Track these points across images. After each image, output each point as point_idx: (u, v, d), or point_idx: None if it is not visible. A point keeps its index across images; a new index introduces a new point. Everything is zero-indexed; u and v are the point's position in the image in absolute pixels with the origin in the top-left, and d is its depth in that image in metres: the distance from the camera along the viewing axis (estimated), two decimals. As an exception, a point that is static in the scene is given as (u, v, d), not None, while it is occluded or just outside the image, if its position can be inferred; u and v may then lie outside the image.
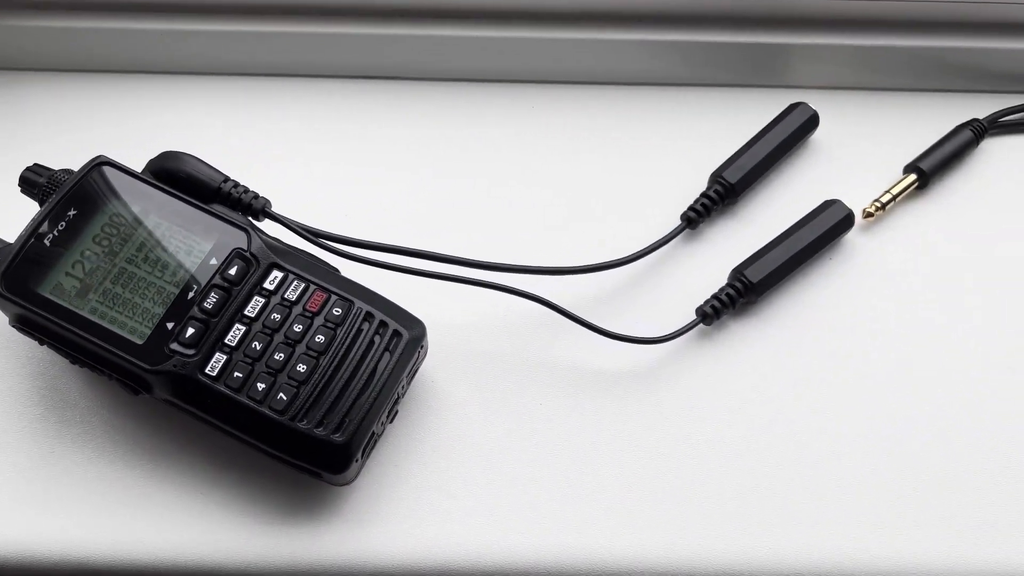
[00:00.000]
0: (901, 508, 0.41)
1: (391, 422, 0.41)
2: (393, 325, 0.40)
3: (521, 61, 0.51)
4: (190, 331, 0.38)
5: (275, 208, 0.42)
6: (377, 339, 0.39)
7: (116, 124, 0.50)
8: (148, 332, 0.38)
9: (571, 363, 0.44)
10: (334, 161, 0.49)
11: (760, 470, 0.42)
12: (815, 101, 0.50)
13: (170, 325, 0.38)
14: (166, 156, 0.42)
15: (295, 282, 0.40)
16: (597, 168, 0.49)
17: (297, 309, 0.39)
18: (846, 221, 0.46)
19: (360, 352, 0.39)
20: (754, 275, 0.45)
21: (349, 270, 0.42)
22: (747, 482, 0.42)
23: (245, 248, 0.40)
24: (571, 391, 0.44)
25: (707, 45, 0.50)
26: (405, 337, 0.39)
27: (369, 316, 0.39)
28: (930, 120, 0.50)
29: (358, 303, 0.40)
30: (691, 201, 0.47)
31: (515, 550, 0.40)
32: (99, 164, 0.40)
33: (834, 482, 0.41)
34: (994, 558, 0.40)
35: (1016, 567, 0.40)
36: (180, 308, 0.38)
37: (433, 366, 0.43)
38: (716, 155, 0.49)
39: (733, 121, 0.50)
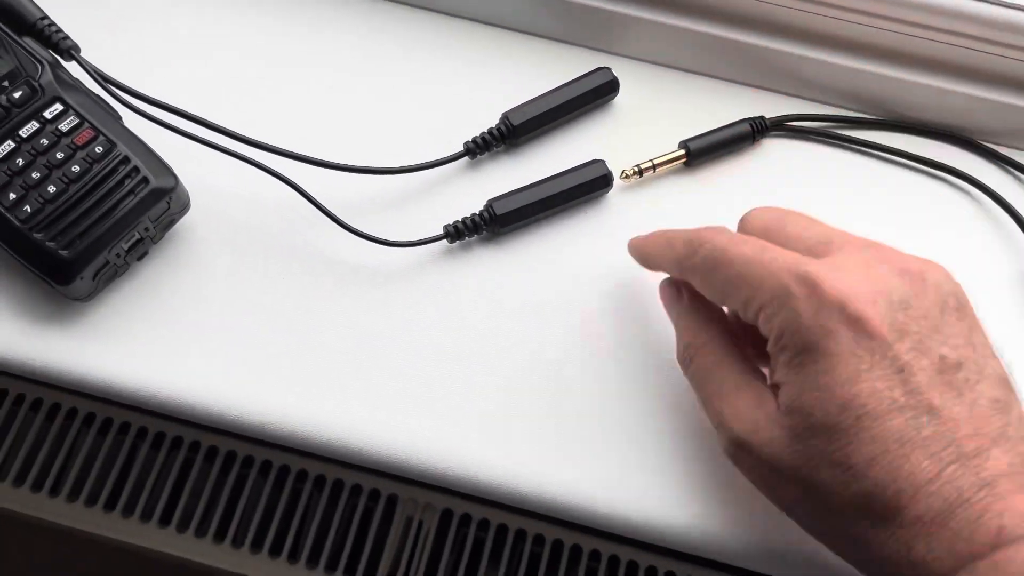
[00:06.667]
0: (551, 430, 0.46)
1: (139, 260, 0.47)
2: (144, 172, 0.45)
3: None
4: (-35, 140, 0.44)
5: (120, 65, 0.47)
6: (128, 181, 0.44)
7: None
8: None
9: (318, 248, 0.49)
10: (187, 31, 0.54)
11: (454, 373, 0.46)
12: (630, 70, 0.54)
13: (-49, 132, 0.44)
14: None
15: (71, 117, 0.45)
16: (406, 89, 0.53)
17: (66, 140, 0.44)
18: (603, 180, 0.50)
19: (108, 188, 0.44)
20: (500, 208, 0.49)
21: (132, 121, 0.47)
22: (442, 382, 0.46)
23: (35, 78, 0.45)
24: (312, 272, 0.48)
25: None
26: (151, 184, 0.45)
27: (126, 160, 0.45)
28: (730, 108, 0.53)
29: (120, 146, 0.45)
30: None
31: (220, 395, 0.45)
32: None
33: (515, 401, 0.46)
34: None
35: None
36: (-37, 119, 0.44)
37: (196, 223, 0.49)
38: (521, 99, 0.52)
39: (547, 72, 0.53)
